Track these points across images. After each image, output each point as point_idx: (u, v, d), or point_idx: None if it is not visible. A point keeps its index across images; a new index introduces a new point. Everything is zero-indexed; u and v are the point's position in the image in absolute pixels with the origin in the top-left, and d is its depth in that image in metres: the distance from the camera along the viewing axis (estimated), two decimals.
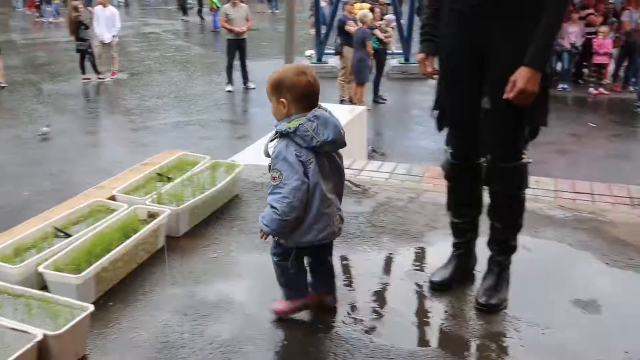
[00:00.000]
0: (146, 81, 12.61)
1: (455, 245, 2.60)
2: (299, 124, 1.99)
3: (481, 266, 2.55)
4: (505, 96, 2.14)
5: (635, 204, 3.81)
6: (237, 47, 11.18)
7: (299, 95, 2.04)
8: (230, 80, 11.50)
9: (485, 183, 2.41)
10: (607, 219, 3.18)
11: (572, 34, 10.60)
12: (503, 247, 2.44)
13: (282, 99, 2.05)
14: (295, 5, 6.46)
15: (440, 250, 2.84)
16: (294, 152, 2.00)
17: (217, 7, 18.48)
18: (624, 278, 2.63)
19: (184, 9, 24.33)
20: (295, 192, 1.98)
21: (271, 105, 2.11)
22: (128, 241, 2.55)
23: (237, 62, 11.38)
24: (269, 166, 2.06)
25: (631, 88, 10.58)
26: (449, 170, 2.51)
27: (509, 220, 2.42)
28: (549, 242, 2.94)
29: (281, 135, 2.04)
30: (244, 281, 2.60)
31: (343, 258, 2.79)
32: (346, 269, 2.73)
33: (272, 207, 2.01)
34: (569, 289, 2.51)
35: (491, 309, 2.35)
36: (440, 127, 2.50)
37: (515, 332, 2.24)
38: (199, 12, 23.94)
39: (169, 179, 3.29)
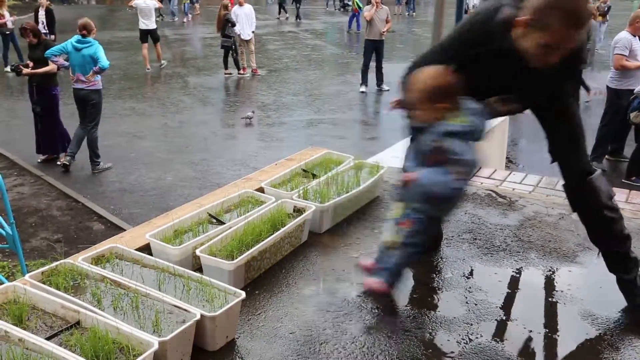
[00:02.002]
0: (283, 78, 13.05)
1: None
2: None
3: None
4: None
5: None
6: (374, 48, 11.23)
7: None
8: (364, 81, 11.58)
9: None
10: None
11: None
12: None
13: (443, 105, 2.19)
14: (444, 9, 6.35)
15: (593, 272, 2.66)
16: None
17: (359, 7, 18.68)
18: None
19: (281, 6, 24.82)
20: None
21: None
22: (277, 233, 2.63)
23: (372, 64, 11.44)
24: None
25: None
26: None
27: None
28: None
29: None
30: None
31: (488, 272, 2.69)
32: (492, 283, 2.62)
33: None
34: None
35: None
36: None
37: None
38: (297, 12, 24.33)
39: (314, 176, 3.36)
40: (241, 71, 13.10)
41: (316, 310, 2.37)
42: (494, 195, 3.51)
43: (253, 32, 13.05)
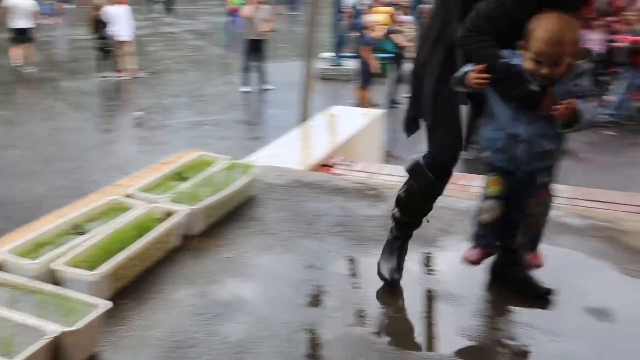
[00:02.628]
0: (164, 80, 12.71)
1: (397, 237, 2.60)
2: None
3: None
4: None
5: None
6: (255, 47, 11.23)
7: None
8: (247, 81, 11.55)
9: None
10: (623, 228, 3.15)
11: (593, 41, 10.49)
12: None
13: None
14: (319, 7, 6.47)
15: (454, 255, 2.84)
16: None
17: (240, 4, 18.53)
18: (637, 286, 2.60)
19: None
20: None
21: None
22: (143, 239, 2.57)
23: (254, 63, 11.44)
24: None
25: None
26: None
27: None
28: (563, 250, 2.92)
29: None
30: (257, 282, 2.60)
31: (355, 261, 2.80)
32: (358, 272, 2.73)
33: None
34: (582, 297, 2.49)
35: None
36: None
37: (527, 339, 2.22)
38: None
39: (186, 179, 3.31)
40: (119, 74, 12.60)
41: (186, 314, 2.34)
42: (363, 187, 3.64)
43: (131, 33, 12.58)
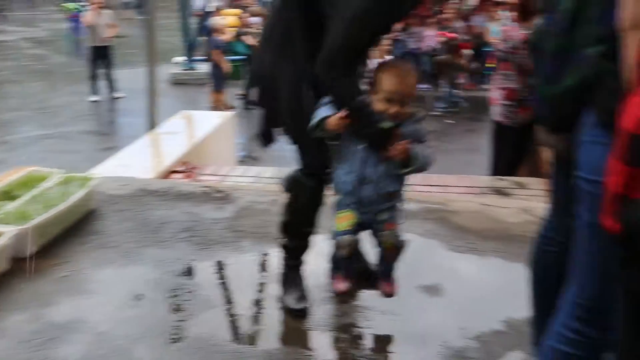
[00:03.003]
0: (0, 93, 11.73)
1: (293, 266, 2.52)
2: None
3: None
4: None
5: (480, 192, 4.15)
6: (100, 54, 10.72)
7: None
8: (94, 90, 10.99)
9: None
10: (453, 209, 3.43)
11: (427, 37, 11.27)
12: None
13: None
14: (157, 11, 6.32)
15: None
16: None
17: (78, 10, 17.56)
18: (464, 262, 2.86)
19: None
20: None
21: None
22: None
23: (102, 71, 10.92)
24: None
25: (484, 87, 11.44)
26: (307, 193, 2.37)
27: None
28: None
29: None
30: (96, 298, 2.50)
31: (203, 267, 2.79)
32: (206, 276, 2.72)
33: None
34: (416, 276, 2.68)
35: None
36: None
37: (367, 322, 2.36)
38: None
39: (14, 198, 3.09)
40: None
41: (17, 341, 2.20)
42: (210, 191, 3.64)
43: None
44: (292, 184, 2.38)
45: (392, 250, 2.24)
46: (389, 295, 2.34)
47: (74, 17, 19.44)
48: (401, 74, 2.11)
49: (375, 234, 2.25)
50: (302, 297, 2.47)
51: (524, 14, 4.59)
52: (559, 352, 1.56)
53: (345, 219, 2.20)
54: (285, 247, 2.49)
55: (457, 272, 2.76)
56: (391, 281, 2.34)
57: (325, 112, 2.08)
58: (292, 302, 2.45)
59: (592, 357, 1.54)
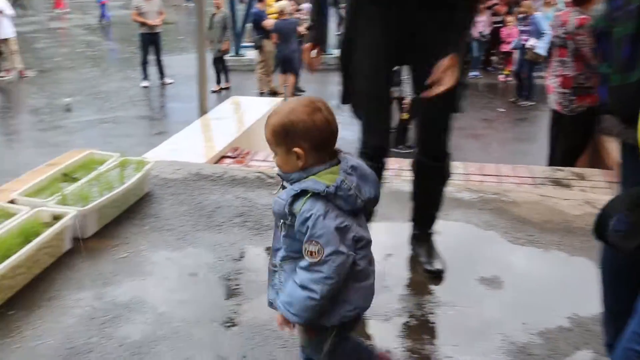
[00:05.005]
0: (56, 79, 12.06)
1: None
2: (340, 181, 1.48)
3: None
4: (442, 88, 2.10)
5: (537, 183, 4.02)
6: (151, 41, 10.88)
7: (318, 141, 1.52)
8: (145, 76, 11.19)
9: (419, 177, 2.54)
10: (510, 199, 3.34)
11: (479, 23, 11.01)
12: (431, 220, 2.65)
13: (297, 149, 1.51)
14: None
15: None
16: (336, 218, 1.48)
17: None
18: (524, 254, 2.77)
19: None
20: (342, 270, 1.49)
21: (276, 156, 1.58)
22: (29, 246, 2.43)
23: (152, 57, 11.09)
24: (286, 236, 1.58)
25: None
26: None
27: (437, 200, 2.59)
28: (457, 223, 3.05)
29: (313, 194, 1.49)
30: (155, 279, 2.54)
31: (257, 252, 2.79)
32: (260, 261, 2.72)
33: (307, 289, 1.49)
34: (474, 267, 2.62)
35: (441, 273, 2.54)
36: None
37: (426, 311, 2.31)
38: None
39: (75, 179, 3.16)
40: (4, 74, 11.80)
41: (80, 319, 2.25)
42: (263, 176, 3.63)
43: (12, 30, 11.78)
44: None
45: None
46: None
47: (102, 4, 20.39)
48: None
49: None
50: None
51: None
52: (637, 353, 1.48)
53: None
54: None
55: (517, 264, 2.68)
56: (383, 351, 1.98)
57: None
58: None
59: None
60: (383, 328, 2.23)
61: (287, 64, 9.92)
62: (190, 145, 4.81)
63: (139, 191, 3.26)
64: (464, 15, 2.20)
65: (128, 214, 3.09)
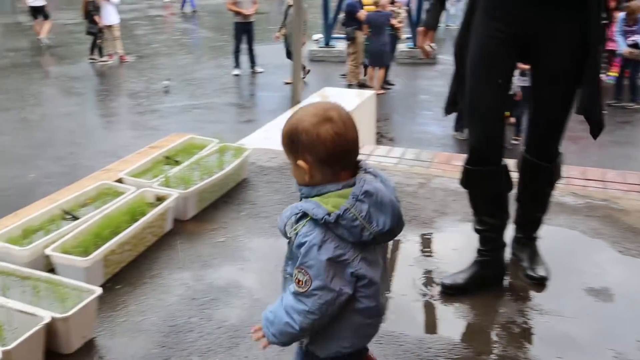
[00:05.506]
0: (153, 64, 12.57)
1: (478, 251, 2.45)
2: (344, 209, 1.29)
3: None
4: None
5: None
6: (244, 30, 11.10)
7: (323, 156, 1.32)
8: (237, 64, 11.44)
9: (527, 178, 2.43)
10: (619, 207, 3.14)
11: None
12: (537, 224, 2.53)
13: (301, 162, 1.33)
14: None
15: (449, 237, 2.83)
16: (334, 250, 1.30)
17: None
18: (636, 267, 2.59)
19: None
20: (328, 307, 1.32)
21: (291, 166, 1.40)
22: (136, 224, 2.53)
23: (244, 46, 11.32)
24: (290, 251, 1.40)
25: None
26: (470, 178, 2.34)
27: (544, 203, 2.48)
28: (561, 229, 2.90)
29: (314, 220, 1.31)
30: (252, 265, 2.58)
31: None
32: None
33: (289, 315, 1.36)
34: (581, 277, 2.48)
35: (544, 281, 2.43)
36: (458, 127, 2.45)
37: (526, 320, 2.21)
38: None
39: (177, 162, 3.27)
40: (107, 58, 12.43)
41: (181, 299, 2.32)
42: None
43: (117, 16, 12.40)
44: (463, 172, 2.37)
45: None
46: None
47: None
48: None
49: None
50: (456, 280, 2.41)
51: None
52: None
53: None
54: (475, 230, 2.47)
55: (628, 277, 2.51)
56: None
57: None
58: (447, 278, 2.44)
59: None
60: (483, 334, 2.15)
61: (376, 58, 9.85)
62: None
63: (237, 177, 3.32)
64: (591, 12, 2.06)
65: (225, 199, 3.16)
